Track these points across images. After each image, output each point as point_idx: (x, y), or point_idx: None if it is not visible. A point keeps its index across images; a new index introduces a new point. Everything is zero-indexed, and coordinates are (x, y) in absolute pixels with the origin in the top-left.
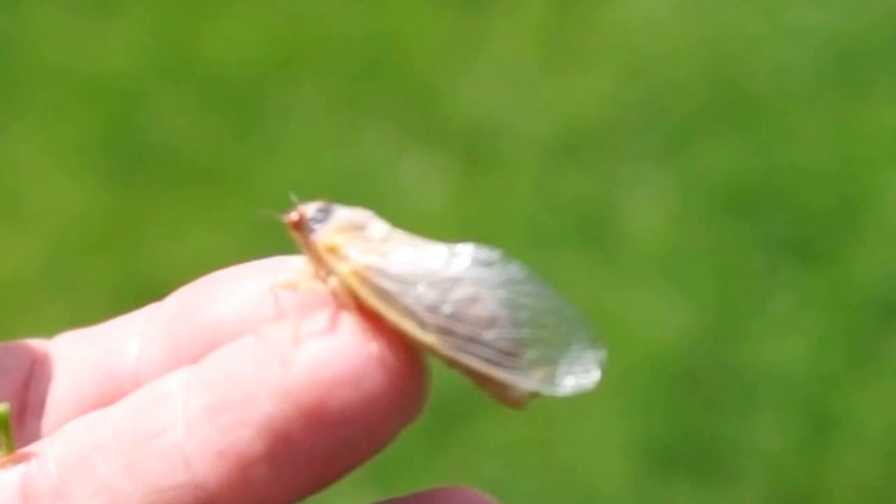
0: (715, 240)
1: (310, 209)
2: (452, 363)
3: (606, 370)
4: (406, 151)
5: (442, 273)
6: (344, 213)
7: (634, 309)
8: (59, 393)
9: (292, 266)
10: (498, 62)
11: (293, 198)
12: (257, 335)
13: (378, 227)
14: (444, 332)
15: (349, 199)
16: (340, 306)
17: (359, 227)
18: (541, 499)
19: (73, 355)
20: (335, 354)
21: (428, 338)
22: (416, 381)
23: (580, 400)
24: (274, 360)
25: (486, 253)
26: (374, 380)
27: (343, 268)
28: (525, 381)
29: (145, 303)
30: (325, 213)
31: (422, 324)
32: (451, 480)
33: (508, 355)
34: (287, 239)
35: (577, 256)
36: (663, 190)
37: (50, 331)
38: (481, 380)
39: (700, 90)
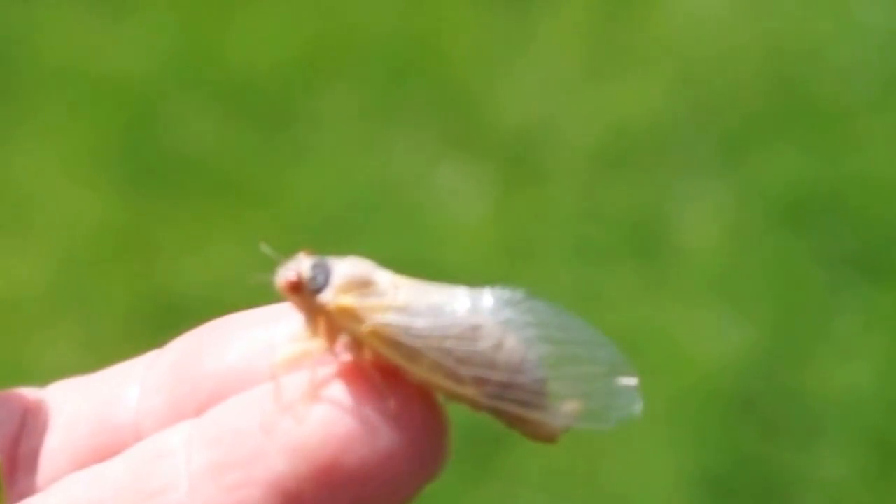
0: (774, 255)
1: (304, 268)
2: (483, 408)
3: (656, 394)
4: (442, 160)
5: (466, 322)
6: (343, 270)
7: (687, 329)
8: (53, 445)
9: (290, 332)
10: (541, 65)
11: (265, 250)
12: (265, 389)
13: (383, 278)
14: (479, 382)
15: (382, 212)
16: (355, 362)
17: (365, 283)
18: None
19: (68, 405)
20: (350, 409)
21: (466, 390)
22: (435, 437)
23: (627, 426)
24: (285, 415)
25: (508, 294)
26: (391, 436)
27: (361, 329)
28: (558, 419)
29: (162, 321)
30: (322, 271)
31: (455, 376)
32: None
33: (542, 395)
34: (314, 251)
35: (626, 272)
36: (719, 201)
37: (62, 351)
38: (512, 420)
39: (758, 94)
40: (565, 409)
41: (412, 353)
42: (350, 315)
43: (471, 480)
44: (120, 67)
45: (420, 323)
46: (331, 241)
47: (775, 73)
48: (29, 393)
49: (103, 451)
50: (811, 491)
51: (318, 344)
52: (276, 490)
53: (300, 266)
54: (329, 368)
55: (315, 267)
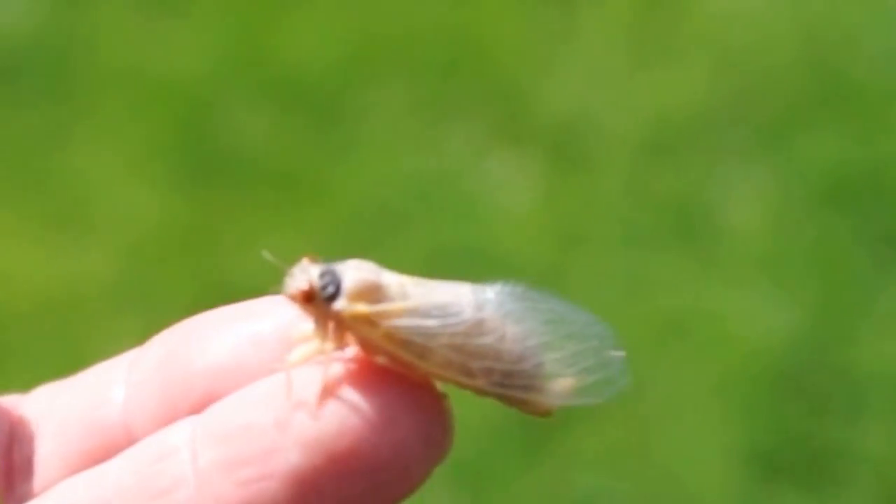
0: (817, 236)
1: (313, 276)
2: (487, 394)
3: (706, 374)
4: (491, 151)
5: (472, 319)
6: (352, 275)
7: (734, 309)
8: (46, 450)
9: (300, 335)
10: (585, 56)
11: (266, 255)
12: (270, 385)
13: (391, 281)
14: (486, 373)
15: (434, 203)
16: (364, 358)
17: (376, 288)
18: None
19: (56, 409)
20: (363, 402)
21: (477, 382)
22: (442, 423)
23: (678, 404)
24: (299, 409)
25: (508, 288)
26: (404, 425)
27: (374, 332)
28: (554, 397)
29: None
30: (331, 278)
31: (466, 369)
32: (547, 491)
33: (540, 378)
34: (367, 243)
35: (672, 256)
36: (761, 185)
37: (126, 345)
38: (513, 402)
39: (797, 80)
40: (560, 387)
41: (424, 351)
42: (363, 320)
43: (524, 463)
44: (176, 67)
45: (430, 323)
46: (384, 233)
47: (812, 60)
48: (14, 400)
49: (96, 454)
50: (858, 466)
51: (330, 344)
52: (292, 481)
53: (309, 274)
54: (339, 365)
55: (324, 275)
